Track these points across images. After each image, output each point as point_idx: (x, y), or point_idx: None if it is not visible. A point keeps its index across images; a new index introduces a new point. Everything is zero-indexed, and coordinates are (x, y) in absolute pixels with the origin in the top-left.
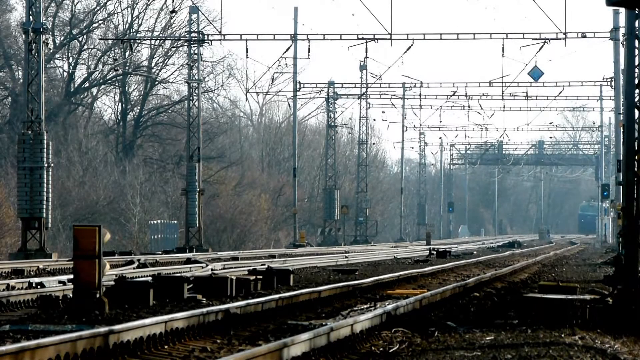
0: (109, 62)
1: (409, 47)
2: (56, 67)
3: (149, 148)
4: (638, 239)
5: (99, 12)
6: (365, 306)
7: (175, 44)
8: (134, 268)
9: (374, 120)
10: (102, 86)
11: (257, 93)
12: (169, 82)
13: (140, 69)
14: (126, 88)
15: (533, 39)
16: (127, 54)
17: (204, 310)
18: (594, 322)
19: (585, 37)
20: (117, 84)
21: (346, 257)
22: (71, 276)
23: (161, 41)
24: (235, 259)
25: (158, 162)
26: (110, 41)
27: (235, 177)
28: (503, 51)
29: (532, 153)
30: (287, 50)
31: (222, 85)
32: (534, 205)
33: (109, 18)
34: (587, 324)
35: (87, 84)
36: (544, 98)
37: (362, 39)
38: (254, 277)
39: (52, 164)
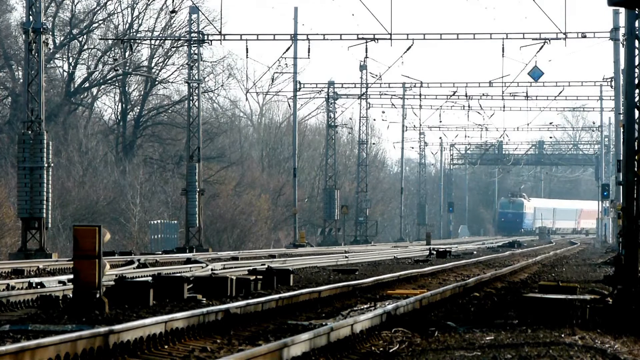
0: (109, 62)
1: (409, 47)
2: (56, 67)
3: (149, 148)
4: (638, 239)
5: (99, 12)
6: (365, 306)
7: (175, 44)
8: (134, 268)
9: (374, 120)
10: (102, 86)
11: (257, 93)
12: (169, 82)
13: (140, 69)
14: (126, 88)
15: (533, 39)
16: (127, 54)
17: (204, 310)
18: (594, 322)
19: (585, 37)
20: (117, 84)
21: (346, 257)
22: (71, 276)
23: (161, 41)
24: (235, 259)
25: (158, 162)
26: (110, 41)
27: (235, 177)
28: (503, 51)
29: (532, 153)
30: (287, 50)
31: (222, 85)
32: None
33: (109, 18)
34: (587, 324)
35: (87, 84)
36: (544, 98)
37: (362, 39)
38: (254, 277)
39: (52, 164)
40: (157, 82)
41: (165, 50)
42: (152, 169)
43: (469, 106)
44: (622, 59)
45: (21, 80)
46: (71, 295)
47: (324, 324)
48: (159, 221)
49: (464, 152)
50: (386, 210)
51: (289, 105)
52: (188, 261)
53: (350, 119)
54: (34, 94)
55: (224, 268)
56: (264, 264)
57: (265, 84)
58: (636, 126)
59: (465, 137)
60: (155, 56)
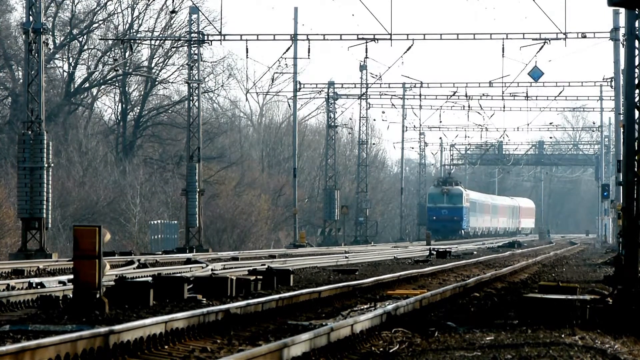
0: (109, 62)
1: (409, 47)
2: (56, 67)
3: (149, 148)
4: (638, 239)
5: (99, 12)
6: (366, 306)
7: (176, 44)
8: (134, 268)
9: (374, 120)
10: (102, 86)
11: (257, 93)
12: (169, 82)
13: (140, 69)
14: (126, 88)
15: (533, 39)
16: (127, 54)
17: (204, 310)
18: (594, 322)
19: (585, 37)
20: (117, 84)
21: (346, 257)
22: (71, 276)
23: (161, 41)
24: (235, 259)
25: (158, 162)
26: (110, 41)
27: (235, 177)
28: (503, 51)
29: (532, 153)
30: (287, 50)
31: (222, 86)
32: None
33: (109, 18)
34: (587, 324)
35: (87, 84)
36: (544, 98)
37: (362, 39)
38: (254, 277)
39: (52, 164)
40: (157, 82)
41: (165, 50)
42: (152, 169)
43: (469, 106)
44: (622, 59)
45: (21, 81)
46: (71, 296)
47: (324, 324)
48: (159, 221)
49: (464, 152)
50: (386, 211)
51: (289, 106)
52: (188, 261)
53: (350, 119)
54: (34, 94)
55: (224, 268)
56: (264, 264)
57: (265, 84)
58: (636, 126)
59: (465, 137)
60: (155, 56)
